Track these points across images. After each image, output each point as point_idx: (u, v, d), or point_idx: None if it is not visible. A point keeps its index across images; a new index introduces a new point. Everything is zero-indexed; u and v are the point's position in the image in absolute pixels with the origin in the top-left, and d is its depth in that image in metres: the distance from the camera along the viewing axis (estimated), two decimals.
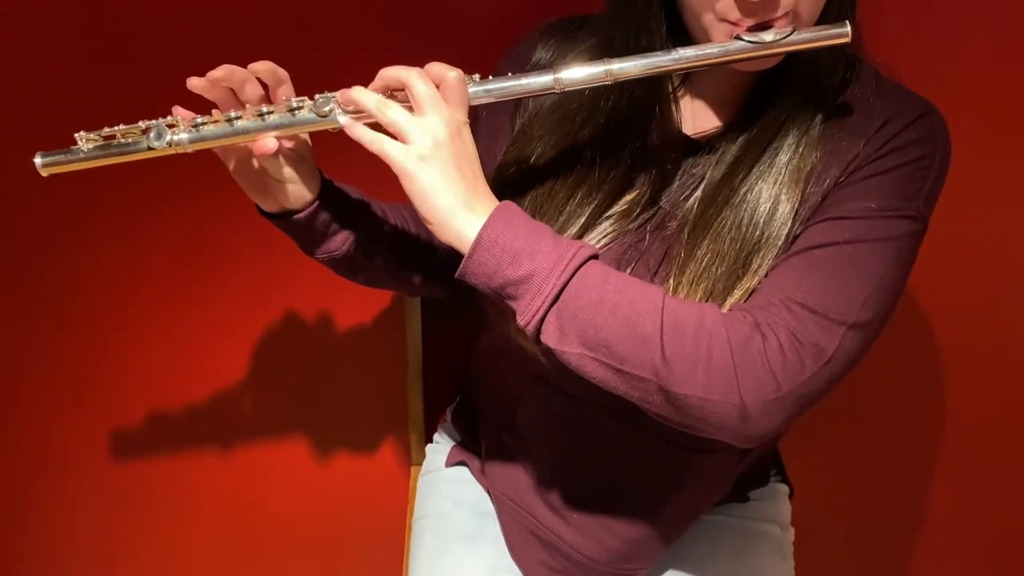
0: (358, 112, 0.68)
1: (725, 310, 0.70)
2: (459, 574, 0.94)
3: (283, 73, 0.72)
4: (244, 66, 0.70)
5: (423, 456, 1.11)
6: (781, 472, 1.05)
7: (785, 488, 1.04)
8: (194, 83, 0.70)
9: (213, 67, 0.69)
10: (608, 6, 0.76)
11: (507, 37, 0.88)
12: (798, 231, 0.72)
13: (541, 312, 0.66)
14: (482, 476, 0.99)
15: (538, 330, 0.67)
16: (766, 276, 0.71)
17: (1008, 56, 1.01)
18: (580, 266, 0.66)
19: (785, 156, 0.73)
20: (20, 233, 1.09)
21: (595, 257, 0.68)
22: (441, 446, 1.08)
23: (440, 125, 0.65)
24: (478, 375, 1.01)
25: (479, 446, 1.00)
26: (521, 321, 0.67)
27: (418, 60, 0.69)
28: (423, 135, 0.65)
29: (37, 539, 1.28)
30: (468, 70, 0.69)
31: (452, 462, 1.04)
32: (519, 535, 0.93)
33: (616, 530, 0.86)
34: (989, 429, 1.26)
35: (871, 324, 0.68)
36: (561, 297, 0.65)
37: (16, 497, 1.25)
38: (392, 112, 0.66)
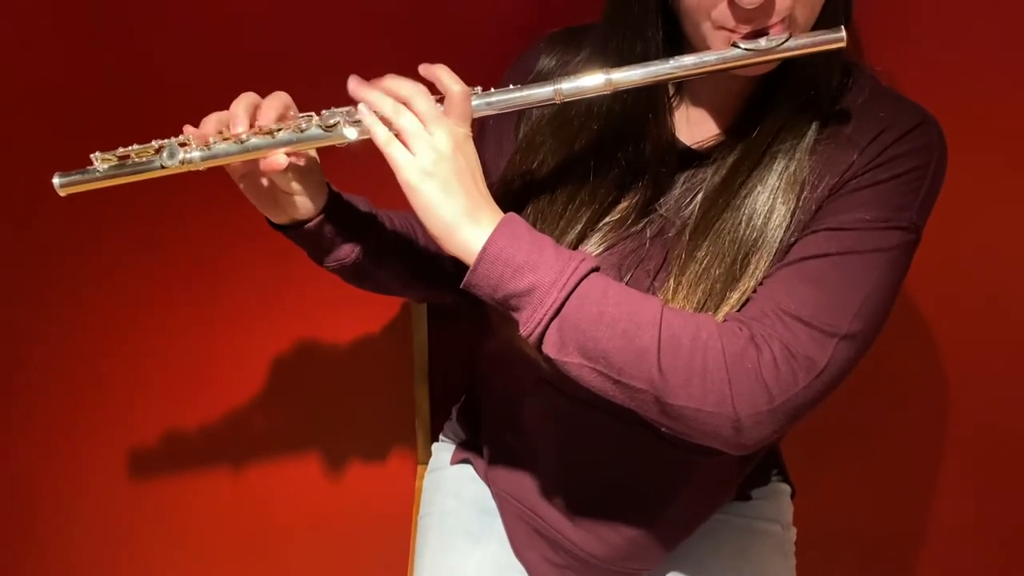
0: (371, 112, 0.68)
1: (722, 315, 0.71)
2: (463, 570, 0.95)
3: (287, 97, 0.73)
4: (249, 84, 0.72)
5: (429, 455, 1.12)
6: (782, 472, 1.06)
7: (787, 488, 1.05)
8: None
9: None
10: (605, 15, 0.76)
11: (513, 47, 0.89)
12: (794, 238, 0.72)
13: (543, 324, 0.67)
14: (485, 475, 1.01)
15: (540, 340, 0.68)
16: (762, 283, 0.72)
17: (1005, 61, 1.00)
18: (581, 280, 0.67)
19: (782, 162, 0.73)
20: (34, 249, 1.09)
21: (596, 269, 0.69)
22: (446, 444, 1.09)
23: (444, 140, 0.66)
24: (482, 377, 1.02)
25: (483, 445, 1.01)
26: (523, 332, 0.68)
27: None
28: (427, 149, 0.66)
29: (42, 545, 1.29)
30: (473, 81, 0.70)
31: (457, 460, 1.05)
32: (523, 532, 0.94)
33: (620, 529, 0.88)
34: (990, 429, 1.26)
35: (863, 335, 0.69)
36: (562, 311, 0.66)
37: (23, 505, 1.26)
38: (405, 120, 0.67)
